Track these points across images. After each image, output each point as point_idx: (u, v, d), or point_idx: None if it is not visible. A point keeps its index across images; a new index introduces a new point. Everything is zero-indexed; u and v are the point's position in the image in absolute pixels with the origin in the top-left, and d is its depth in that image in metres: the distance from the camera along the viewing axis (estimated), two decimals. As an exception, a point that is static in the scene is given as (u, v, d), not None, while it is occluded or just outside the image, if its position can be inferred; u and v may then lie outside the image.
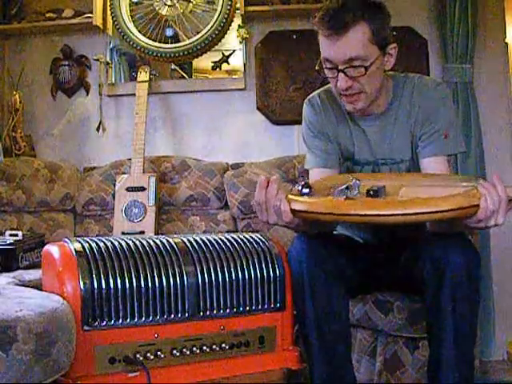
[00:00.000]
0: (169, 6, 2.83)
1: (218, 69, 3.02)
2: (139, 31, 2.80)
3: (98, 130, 2.92)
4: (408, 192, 1.37)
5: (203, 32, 2.76)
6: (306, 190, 1.39)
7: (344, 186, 1.38)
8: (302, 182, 1.41)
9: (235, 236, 1.54)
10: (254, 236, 1.55)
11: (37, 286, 1.57)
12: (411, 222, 1.30)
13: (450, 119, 1.60)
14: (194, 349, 1.38)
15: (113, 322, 1.30)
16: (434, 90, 1.60)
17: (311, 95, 1.74)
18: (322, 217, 1.34)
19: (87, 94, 3.00)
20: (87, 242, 1.38)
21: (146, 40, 2.80)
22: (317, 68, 1.58)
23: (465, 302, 1.37)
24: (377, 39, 1.48)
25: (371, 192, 1.36)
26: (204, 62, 3.01)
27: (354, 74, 1.49)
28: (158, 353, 1.34)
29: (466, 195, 1.29)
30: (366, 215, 1.29)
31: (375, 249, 1.71)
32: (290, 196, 1.39)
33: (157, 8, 2.84)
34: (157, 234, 2.49)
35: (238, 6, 2.80)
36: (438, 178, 1.48)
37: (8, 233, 2.15)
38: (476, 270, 1.39)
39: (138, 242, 1.41)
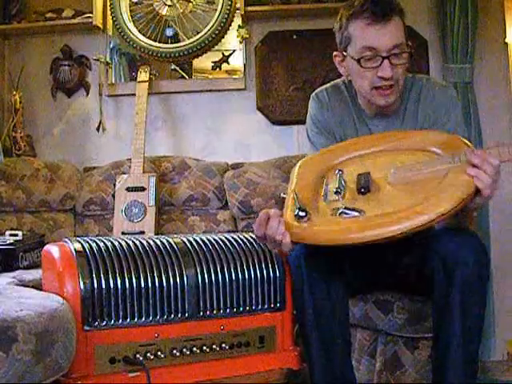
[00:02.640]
0: (169, 5, 2.83)
1: (218, 69, 3.02)
2: (139, 31, 2.81)
3: (98, 129, 2.93)
4: (398, 178, 1.37)
5: (203, 32, 2.76)
6: (302, 214, 1.36)
7: (334, 190, 1.40)
8: (300, 206, 1.38)
9: (235, 236, 1.54)
10: (254, 236, 1.55)
11: (37, 286, 1.57)
12: (419, 231, 1.28)
13: (458, 121, 1.60)
14: (194, 349, 1.38)
15: (113, 321, 1.30)
16: (442, 93, 1.60)
17: (318, 89, 1.71)
18: (323, 244, 1.34)
19: (87, 94, 3.00)
20: (87, 242, 1.38)
21: (146, 40, 2.80)
22: (336, 56, 1.60)
23: (474, 302, 1.37)
24: (406, 34, 1.52)
25: (362, 190, 1.38)
26: (204, 62, 3.00)
27: (398, 62, 1.48)
28: (158, 353, 1.34)
29: (459, 185, 1.27)
30: (370, 239, 1.28)
31: (376, 248, 1.70)
32: (289, 222, 1.37)
33: (157, 8, 2.84)
34: (157, 234, 2.49)
35: (238, 5, 2.80)
36: (418, 150, 1.42)
37: (8, 233, 2.15)
38: (486, 269, 1.39)
39: (138, 242, 1.41)
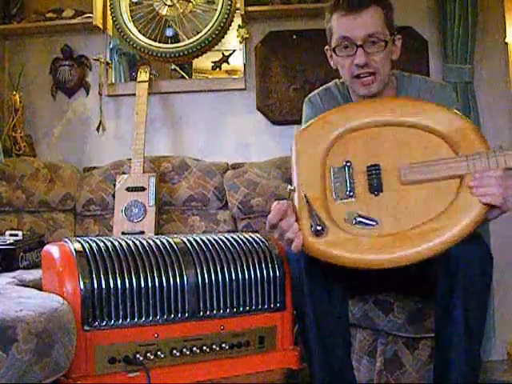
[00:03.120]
0: (169, 5, 2.83)
1: (218, 69, 3.02)
2: (139, 31, 2.80)
3: (98, 130, 2.93)
4: (410, 178, 1.34)
5: (203, 32, 2.76)
6: (319, 228, 1.33)
7: (345, 189, 1.37)
8: (317, 220, 1.34)
9: (235, 236, 1.54)
10: (253, 236, 1.55)
11: (37, 286, 1.57)
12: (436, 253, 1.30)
13: None
14: (194, 349, 1.38)
15: (113, 321, 1.30)
16: (440, 92, 1.61)
17: (311, 94, 1.75)
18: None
19: (87, 94, 3.00)
20: (87, 242, 1.38)
21: (146, 40, 2.80)
22: (328, 51, 1.62)
23: (477, 302, 1.37)
24: (388, 23, 1.53)
25: (375, 192, 1.35)
26: (204, 62, 3.01)
27: (373, 50, 1.51)
28: (158, 353, 1.34)
29: (474, 204, 1.27)
30: (390, 262, 1.30)
31: None
32: (306, 236, 1.34)
33: (157, 8, 2.84)
34: (157, 234, 2.49)
35: (238, 5, 2.80)
36: (426, 131, 1.38)
37: (8, 233, 2.15)
38: (489, 267, 1.39)
39: (138, 242, 1.41)
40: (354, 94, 1.64)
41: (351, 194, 1.36)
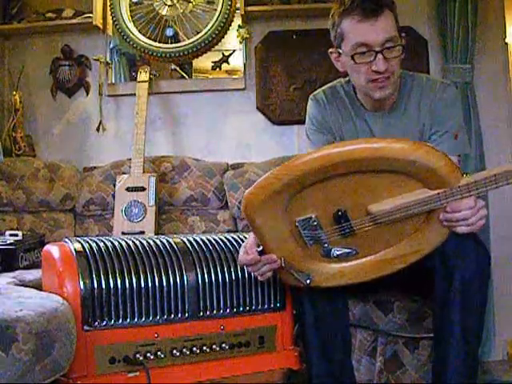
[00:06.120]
0: (169, 5, 2.83)
1: (218, 69, 3.02)
2: (139, 31, 2.80)
3: (98, 130, 2.93)
4: (382, 218, 1.30)
5: (203, 32, 2.76)
6: (308, 282, 1.38)
7: (318, 237, 1.34)
8: (302, 276, 1.38)
9: (235, 236, 1.54)
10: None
11: (37, 286, 1.57)
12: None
13: (460, 120, 1.61)
14: (194, 349, 1.38)
15: (113, 321, 1.30)
16: (444, 92, 1.60)
17: (316, 91, 1.74)
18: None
19: (87, 94, 3.00)
20: (87, 242, 1.38)
21: (146, 40, 2.80)
22: (332, 53, 1.61)
23: (474, 301, 1.37)
24: (397, 26, 1.52)
25: (347, 236, 1.33)
26: (204, 62, 3.00)
27: (391, 55, 1.49)
28: (158, 353, 1.34)
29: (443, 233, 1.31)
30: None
31: None
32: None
33: (157, 8, 2.84)
34: (157, 234, 2.49)
35: (238, 5, 2.80)
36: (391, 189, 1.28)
37: (8, 233, 2.15)
38: (487, 266, 1.39)
39: (138, 242, 1.41)
40: (364, 96, 1.62)
41: (324, 239, 1.35)
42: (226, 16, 2.73)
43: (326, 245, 1.35)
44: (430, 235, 1.31)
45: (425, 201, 1.26)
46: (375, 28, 1.47)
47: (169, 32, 2.84)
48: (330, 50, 1.62)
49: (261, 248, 1.36)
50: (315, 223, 1.32)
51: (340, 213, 1.30)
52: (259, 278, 1.40)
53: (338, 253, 1.36)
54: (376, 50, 1.48)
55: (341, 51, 1.56)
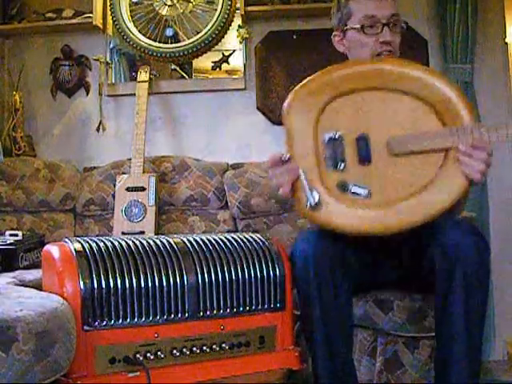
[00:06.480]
0: (169, 5, 2.83)
1: (218, 69, 3.02)
2: (139, 31, 2.81)
3: (98, 129, 2.93)
4: (398, 149, 1.40)
5: (203, 32, 2.76)
6: (315, 203, 1.41)
7: (336, 159, 1.43)
8: (313, 195, 1.41)
9: (235, 236, 1.54)
10: (253, 236, 1.55)
11: (37, 286, 1.56)
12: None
13: None
14: (194, 349, 1.38)
15: (113, 321, 1.30)
16: None
17: None
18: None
19: (87, 94, 3.00)
20: (87, 242, 1.38)
21: (146, 40, 2.80)
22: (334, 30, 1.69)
23: (476, 297, 1.37)
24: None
25: (364, 162, 1.41)
26: (204, 62, 3.01)
27: (396, 30, 1.61)
28: (158, 353, 1.34)
29: (458, 177, 1.36)
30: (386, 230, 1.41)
31: (381, 239, 1.69)
32: (304, 211, 1.43)
33: (157, 8, 2.84)
34: (157, 234, 2.49)
35: (238, 5, 2.80)
36: (415, 97, 1.44)
37: (8, 233, 2.15)
38: (487, 255, 1.39)
39: (138, 242, 1.41)
40: None
41: (342, 163, 1.43)
42: (225, 16, 2.73)
43: (342, 171, 1.42)
44: (440, 187, 1.36)
45: (438, 135, 1.37)
46: (383, 4, 1.60)
47: (169, 32, 2.84)
48: (334, 33, 1.70)
49: (288, 157, 1.44)
50: (339, 141, 1.43)
51: (363, 136, 1.43)
52: (280, 191, 1.44)
53: (352, 188, 1.41)
54: (383, 22, 1.58)
55: (346, 28, 1.65)
